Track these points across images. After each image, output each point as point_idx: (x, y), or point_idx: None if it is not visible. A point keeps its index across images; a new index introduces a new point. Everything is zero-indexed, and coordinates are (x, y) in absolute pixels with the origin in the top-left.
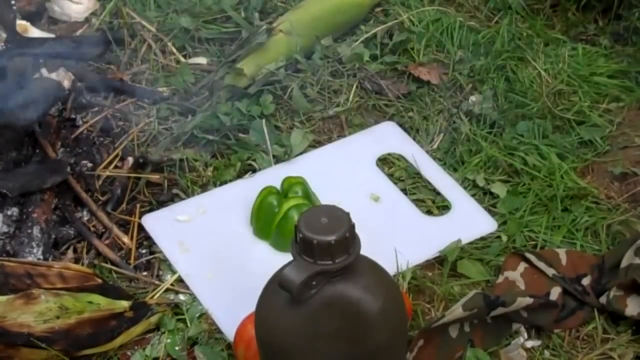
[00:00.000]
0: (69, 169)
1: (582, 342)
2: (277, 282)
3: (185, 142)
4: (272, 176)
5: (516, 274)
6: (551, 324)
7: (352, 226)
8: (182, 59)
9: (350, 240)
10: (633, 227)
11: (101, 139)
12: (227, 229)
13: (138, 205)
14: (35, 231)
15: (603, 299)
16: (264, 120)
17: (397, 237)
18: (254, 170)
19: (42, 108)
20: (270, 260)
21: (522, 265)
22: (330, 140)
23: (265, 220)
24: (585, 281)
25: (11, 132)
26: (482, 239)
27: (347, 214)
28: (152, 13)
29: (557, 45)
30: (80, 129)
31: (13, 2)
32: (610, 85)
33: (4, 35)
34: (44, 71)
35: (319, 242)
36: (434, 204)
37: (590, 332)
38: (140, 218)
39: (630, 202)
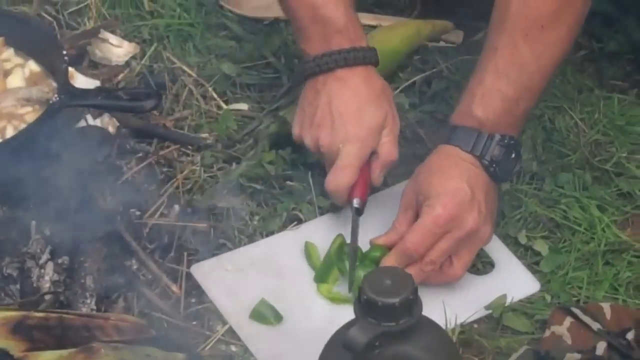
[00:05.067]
0: (118, 217)
1: None
2: (341, 342)
3: (231, 190)
4: (318, 228)
5: (562, 329)
6: None
7: (415, 289)
8: (224, 105)
9: (413, 302)
10: None
11: (146, 185)
12: (277, 280)
13: (185, 254)
14: (89, 281)
15: None
16: (309, 173)
17: (443, 294)
18: (300, 221)
19: (91, 156)
20: (324, 311)
21: (568, 320)
22: (374, 190)
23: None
24: (630, 335)
25: (62, 180)
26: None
27: (410, 276)
28: (192, 58)
29: (590, 93)
30: (126, 176)
31: (64, 51)
32: None
33: (54, 85)
34: (88, 117)
35: (383, 304)
36: (478, 260)
37: None
38: (188, 267)
39: None
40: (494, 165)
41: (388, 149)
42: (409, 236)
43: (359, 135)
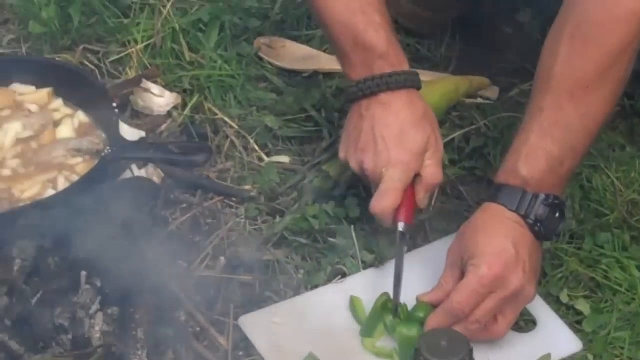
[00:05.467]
0: (166, 269)
1: None
2: None
3: (275, 244)
4: (362, 282)
5: None
6: None
7: (471, 350)
8: (265, 157)
9: None
10: None
11: (190, 236)
12: (323, 333)
13: (232, 306)
14: (140, 333)
15: None
16: (352, 227)
17: (486, 351)
18: (344, 275)
19: (139, 207)
20: None
21: None
22: (414, 246)
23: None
24: None
25: (111, 231)
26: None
27: (465, 337)
28: (233, 109)
29: (622, 150)
30: (171, 227)
31: (114, 103)
32: None
33: (103, 135)
34: (133, 167)
35: None
36: (521, 317)
37: None
38: (235, 319)
39: None
40: (539, 224)
41: (432, 171)
42: (455, 296)
43: (402, 159)
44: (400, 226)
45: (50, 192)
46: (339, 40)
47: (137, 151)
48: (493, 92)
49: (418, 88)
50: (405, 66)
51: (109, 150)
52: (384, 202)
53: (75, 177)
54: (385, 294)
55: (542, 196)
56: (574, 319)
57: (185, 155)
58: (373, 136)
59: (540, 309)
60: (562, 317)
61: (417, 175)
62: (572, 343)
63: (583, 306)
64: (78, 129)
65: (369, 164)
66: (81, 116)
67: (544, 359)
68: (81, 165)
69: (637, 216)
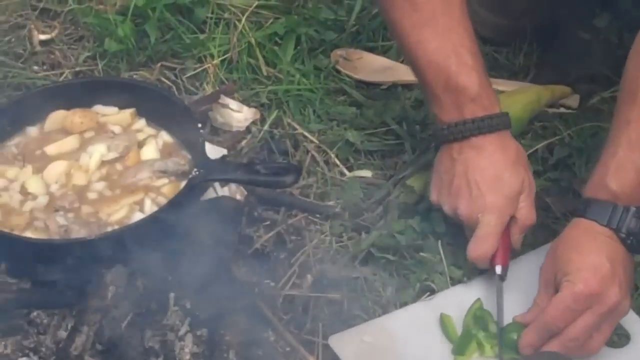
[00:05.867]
0: (255, 289)
1: None
2: None
3: (362, 261)
4: (451, 298)
5: None
6: None
7: None
8: (347, 172)
9: None
10: None
11: (276, 254)
12: (415, 353)
13: (320, 325)
14: (232, 355)
15: None
16: (439, 242)
17: None
18: (432, 291)
19: (225, 227)
20: None
21: None
22: None
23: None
24: None
25: (198, 252)
26: None
27: (567, 357)
28: (313, 124)
29: None
30: (256, 245)
31: (200, 124)
32: None
33: (189, 156)
34: (216, 185)
35: None
36: (614, 332)
37: None
38: (324, 338)
39: None
40: (631, 237)
41: (526, 213)
42: (550, 311)
43: (498, 204)
44: (499, 270)
45: (137, 214)
46: (431, 81)
47: (224, 172)
48: (574, 101)
49: (509, 128)
50: (496, 109)
51: (196, 172)
52: (481, 248)
53: (162, 199)
54: (478, 300)
55: (633, 209)
56: None
57: (272, 176)
58: (467, 181)
59: (633, 322)
60: None
61: (512, 217)
62: None
63: None
64: (162, 149)
65: (465, 209)
66: (165, 136)
67: None
68: (167, 187)
69: None
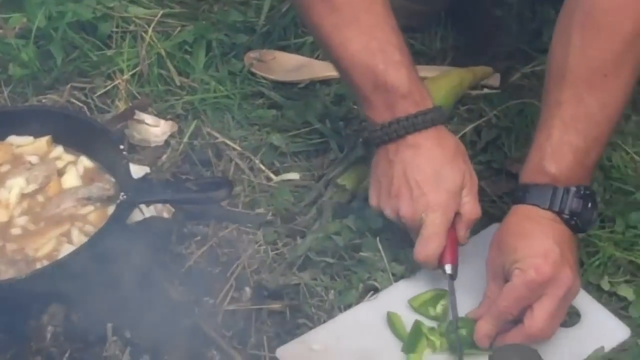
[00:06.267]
0: (195, 309)
1: None
2: None
3: (301, 267)
4: (396, 295)
5: None
6: None
7: None
8: (274, 177)
9: None
10: None
11: (210, 269)
12: (366, 356)
13: (265, 337)
14: None
15: None
16: (377, 239)
17: None
18: (376, 290)
19: (156, 248)
20: None
21: None
22: None
23: None
24: None
25: (132, 278)
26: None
27: (536, 351)
28: (234, 131)
29: (628, 119)
30: (189, 263)
31: (122, 146)
32: None
33: (112, 180)
34: (142, 206)
35: None
36: None
37: None
38: (270, 351)
39: None
40: (575, 218)
41: (471, 208)
42: (503, 300)
43: (441, 202)
44: (448, 269)
45: (66, 246)
46: (359, 83)
47: (153, 193)
48: (496, 80)
49: (445, 122)
50: (429, 103)
51: (124, 196)
52: (429, 249)
53: (89, 228)
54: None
55: (573, 189)
56: (618, 306)
57: (205, 192)
58: (406, 181)
59: (582, 300)
60: (605, 305)
61: (456, 213)
62: (620, 331)
63: (626, 292)
64: (84, 175)
65: (407, 211)
66: (85, 161)
67: (596, 353)
68: (94, 214)
69: None
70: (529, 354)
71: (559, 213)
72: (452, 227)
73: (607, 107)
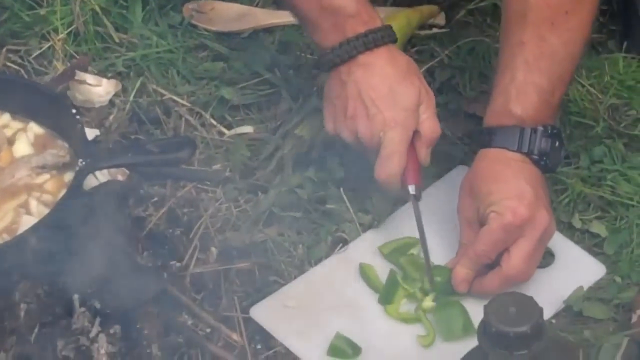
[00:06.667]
0: (164, 274)
1: None
2: None
3: (266, 223)
4: (365, 246)
5: None
6: None
7: (541, 310)
8: (226, 131)
9: (542, 325)
10: None
11: (171, 231)
12: (342, 309)
13: (236, 298)
14: (155, 349)
15: None
16: (341, 189)
17: None
18: (345, 241)
19: (115, 214)
20: (398, 334)
21: None
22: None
23: None
24: None
25: (95, 246)
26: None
27: (531, 298)
28: (180, 87)
29: (588, 56)
30: (149, 225)
31: (74, 110)
32: None
33: (66, 145)
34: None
35: (515, 334)
36: None
37: None
38: (243, 311)
39: None
40: (544, 157)
41: (429, 125)
42: (480, 245)
43: (398, 119)
44: (412, 189)
45: (25, 218)
46: (304, 8)
47: (113, 158)
48: (441, 18)
49: (395, 42)
50: (378, 22)
51: (83, 163)
52: (390, 167)
53: (47, 197)
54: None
55: (540, 129)
56: (591, 243)
57: (167, 153)
58: (362, 101)
59: (555, 239)
60: (578, 243)
61: (415, 132)
62: (595, 269)
63: (599, 228)
64: (35, 142)
65: (364, 131)
66: (35, 128)
67: (577, 292)
68: (50, 183)
69: (623, 121)
70: (525, 301)
71: (528, 154)
72: (412, 147)
73: (569, 44)
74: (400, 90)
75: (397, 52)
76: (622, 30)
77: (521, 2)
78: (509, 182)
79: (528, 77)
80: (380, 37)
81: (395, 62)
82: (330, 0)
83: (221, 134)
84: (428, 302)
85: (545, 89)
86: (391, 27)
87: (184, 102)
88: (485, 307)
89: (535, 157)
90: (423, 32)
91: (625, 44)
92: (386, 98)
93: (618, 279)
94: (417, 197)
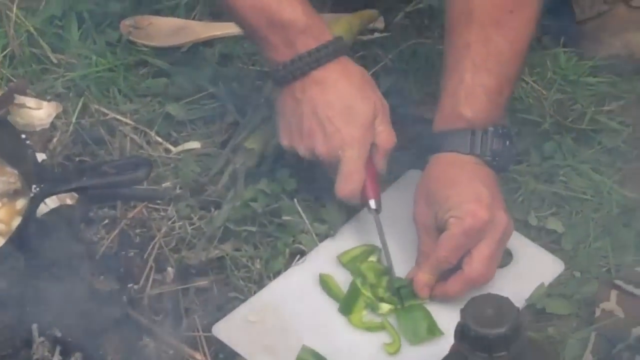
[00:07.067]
0: (124, 298)
1: None
2: None
3: (221, 239)
4: (323, 256)
5: (612, 304)
6: None
7: (518, 310)
8: (172, 148)
9: (520, 325)
10: None
11: (124, 253)
12: (304, 321)
13: (197, 317)
14: None
15: None
16: (295, 201)
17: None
18: (303, 252)
19: (68, 239)
20: (363, 343)
21: (614, 293)
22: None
23: None
24: None
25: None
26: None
27: (507, 299)
28: (123, 105)
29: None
30: (102, 249)
31: (24, 135)
32: (598, 84)
33: (15, 172)
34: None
35: (495, 336)
36: None
37: None
38: (204, 330)
39: None
40: (497, 158)
41: (386, 137)
42: (442, 250)
43: (356, 136)
44: (373, 204)
45: None
46: (254, 24)
47: (69, 181)
48: (381, 22)
49: (348, 53)
50: (329, 36)
51: (37, 189)
52: (350, 185)
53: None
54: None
55: (491, 130)
56: (549, 240)
57: (123, 175)
58: (318, 119)
59: (512, 238)
60: (535, 240)
61: (372, 145)
62: (554, 265)
63: (555, 224)
64: None
65: (322, 148)
66: None
67: (538, 290)
68: (2, 211)
69: (570, 116)
70: (502, 302)
71: (481, 156)
72: (370, 159)
73: (515, 43)
74: (356, 105)
75: (350, 64)
76: (557, 26)
77: (465, 3)
78: (466, 186)
79: (476, 79)
80: (332, 51)
81: (349, 75)
82: (280, 15)
83: (168, 151)
84: (386, 306)
85: (493, 89)
86: (342, 38)
87: (128, 121)
88: (462, 310)
89: (488, 158)
90: (365, 37)
91: (562, 39)
92: (343, 115)
93: (577, 274)
94: (378, 210)
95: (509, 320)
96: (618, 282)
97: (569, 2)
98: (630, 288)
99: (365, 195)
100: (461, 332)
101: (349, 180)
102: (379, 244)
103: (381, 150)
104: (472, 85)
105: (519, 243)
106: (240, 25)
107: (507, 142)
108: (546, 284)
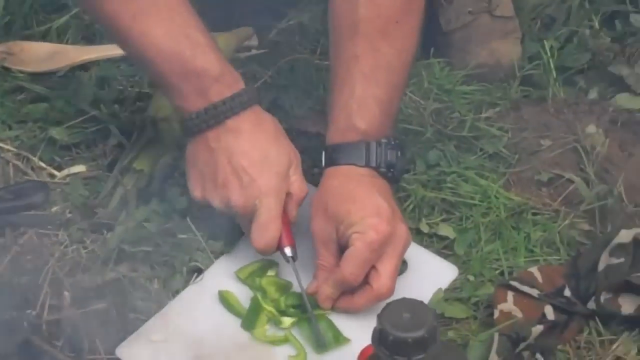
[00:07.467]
0: (25, 324)
1: (585, 350)
2: None
3: (117, 260)
4: (220, 273)
5: (509, 305)
6: (555, 342)
7: (434, 312)
8: (57, 173)
9: (437, 327)
10: (582, 229)
11: (17, 280)
12: (208, 338)
13: (97, 340)
14: None
15: (591, 305)
16: (188, 219)
17: (370, 310)
18: (200, 270)
19: None
20: (271, 357)
21: (510, 294)
22: None
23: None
24: (567, 292)
25: None
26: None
27: (422, 302)
28: (3, 132)
29: None
30: None
31: None
32: (473, 92)
33: None
34: None
35: (414, 339)
36: None
37: (588, 339)
38: (107, 353)
39: (567, 205)
40: (391, 169)
41: (299, 185)
42: (347, 267)
43: (272, 186)
44: (289, 252)
45: None
46: (165, 71)
47: None
48: (255, 40)
49: (259, 102)
50: (241, 83)
51: None
52: (268, 235)
53: None
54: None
55: (384, 141)
56: (441, 246)
57: (20, 200)
58: (233, 169)
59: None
60: (428, 247)
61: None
62: (448, 271)
63: (446, 230)
64: None
65: (238, 199)
66: None
67: (436, 295)
68: None
69: (450, 124)
70: (417, 306)
71: (376, 168)
72: (284, 208)
73: (402, 53)
74: (272, 155)
75: (263, 112)
76: (426, 37)
77: (350, 15)
78: (365, 200)
79: (367, 90)
80: (246, 100)
81: (263, 124)
82: (194, 63)
83: (52, 176)
84: (288, 320)
85: (384, 100)
86: (254, 87)
87: (9, 147)
88: (379, 316)
89: (383, 169)
90: (243, 55)
91: (432, 50)
92: (258, 165)
93: (471, 278)
94: (294, 258)
95: (426, 323)
96: (514, 283)
97: (435, 13)
98: (525, 289)
99: (281, 243)
100: (379, 337)
101: (267, 230)
102: (276, 259)
103: (295, 199)
104: (364, 97)
105: (412, 251)
106: (149, 72)
107: (399, 153)
108: (443, 289)
